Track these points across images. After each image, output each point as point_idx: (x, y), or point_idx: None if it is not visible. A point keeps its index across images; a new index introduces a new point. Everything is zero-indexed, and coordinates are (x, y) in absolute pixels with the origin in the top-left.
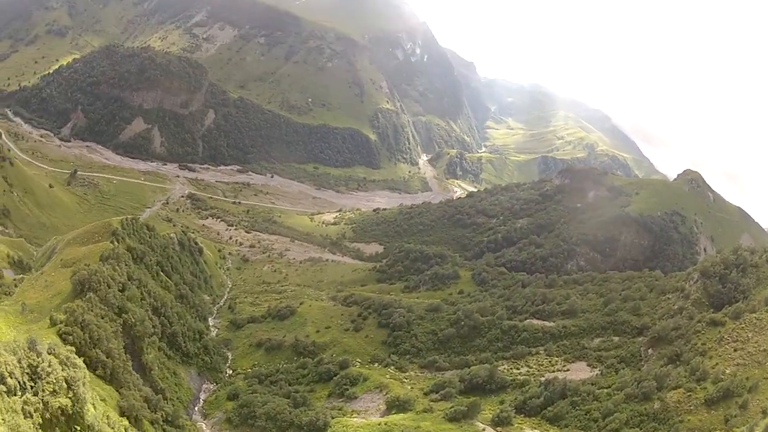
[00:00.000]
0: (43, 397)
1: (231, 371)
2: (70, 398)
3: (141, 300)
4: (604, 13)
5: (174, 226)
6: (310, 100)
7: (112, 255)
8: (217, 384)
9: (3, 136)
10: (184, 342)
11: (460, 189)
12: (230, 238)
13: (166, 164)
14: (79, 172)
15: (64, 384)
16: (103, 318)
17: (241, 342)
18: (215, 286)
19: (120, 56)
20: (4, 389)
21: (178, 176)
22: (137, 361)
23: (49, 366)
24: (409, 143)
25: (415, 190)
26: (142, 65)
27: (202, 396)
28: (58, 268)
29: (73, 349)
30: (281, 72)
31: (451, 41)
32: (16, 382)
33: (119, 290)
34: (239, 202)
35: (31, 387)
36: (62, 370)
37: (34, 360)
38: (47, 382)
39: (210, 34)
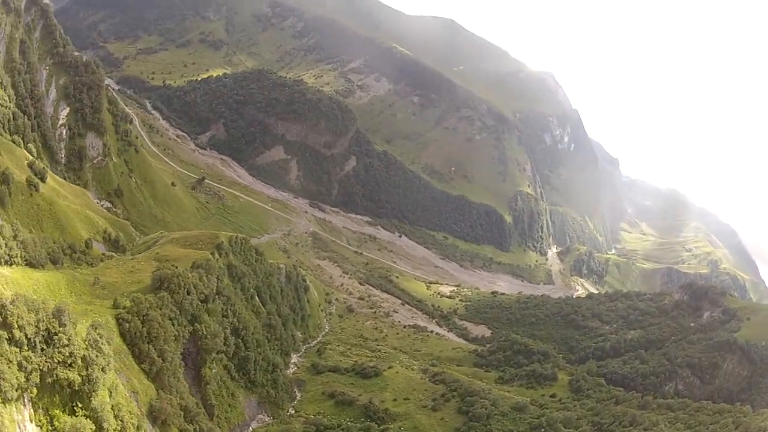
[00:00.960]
0: (49, 362)
1: (293, 411)
2: (81, 376)
3: (222, 316)
4: (752, 129)
5: (288, 258)
6: (453, 168)
7: (205, 265)
8: (273, 419)
9: (137, 123)
10: (254, 369)
11: (581, 288)
12: (341, 285)
13: (297, 197)
14: (207, 181)
15: (79, 361)
16: (171, 320)
17: (315, 387)
18: (311, 326)
19: (271, 83)
20: (7, 337)
21: (306, 212)
22: (195, 372)
23: (68, 339)
24: (541, 232)
25: (537, 281)
26: (293, 97)
27: (253, 425)
28: (149, 259)
29: (113, 336)
30: (429, 135)
31: (599, 132)
32: (24, 337)
33: (200, 300)
34: (361, 253)
35: (42, 350)
36: (84, 348)
37: (53, 327)
38: (59, 352)
39: (365, 83)
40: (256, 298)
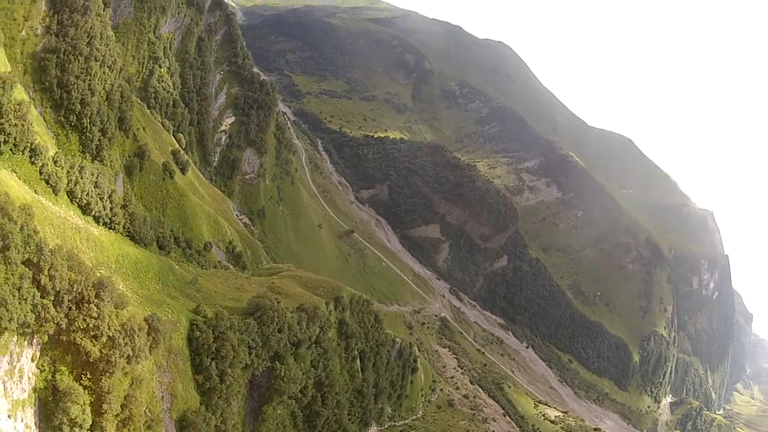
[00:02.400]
0: (69, 323)
1: None
2: (101, 352)
3: (311, 366)
4: None
5: (410, 334)
6: (598, 293)
7: (311, 311)
8: None
9: (302, 158)
10: (322, 427)
11: None
12: (451, 378)
13: (439, 279)
14: (355, 234)
15: (104, 338)
16: (249, 348)
17: None
18: (405, 406)
19: (445, 160)
20: (30, 277)
21: (443, 296)
22: (257, 405)
23: (98, 313)
24: (663, 378)
25: (642, 428)
26: (462, 180)
27: None
28: (262, 285)
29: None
30: (584, 253)
31: (741, 283)
32: (51, 288)
33: (291, 342)
34: (483, 353)
35: (68, 309)
36: (116, 330)
37: (88, 295)
38: (84, 320)
39: (536, 185)
40: (358, 361)
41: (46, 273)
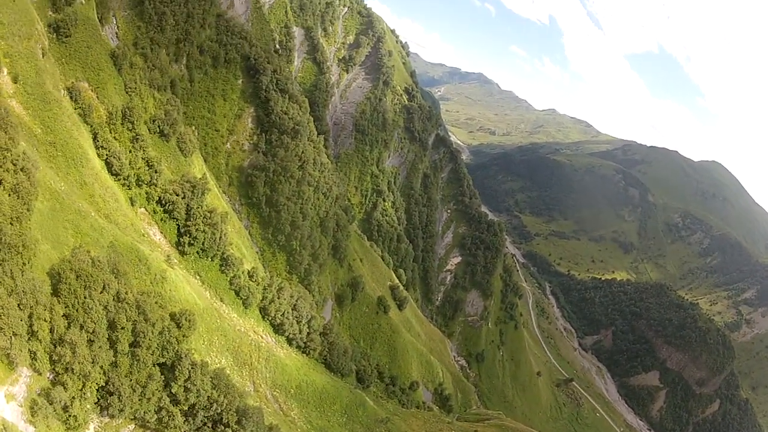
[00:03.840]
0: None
1: None
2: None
3: None
4: None
5: None
6: None
7: None
8: None
9: (529, 302)
10: None
11: None
12: None
13: (650, 431)
14: (573, 383)
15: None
16: None
17: None
18: None
19: (669, 301)
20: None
21: None
22: None
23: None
24: None
25: None
26: (685, 321)
27: None
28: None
29: None
30: None
31: None
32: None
33: None
34: None
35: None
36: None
37: (227, 419)
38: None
39: (752, 318)
40: None
41: (180, 383)
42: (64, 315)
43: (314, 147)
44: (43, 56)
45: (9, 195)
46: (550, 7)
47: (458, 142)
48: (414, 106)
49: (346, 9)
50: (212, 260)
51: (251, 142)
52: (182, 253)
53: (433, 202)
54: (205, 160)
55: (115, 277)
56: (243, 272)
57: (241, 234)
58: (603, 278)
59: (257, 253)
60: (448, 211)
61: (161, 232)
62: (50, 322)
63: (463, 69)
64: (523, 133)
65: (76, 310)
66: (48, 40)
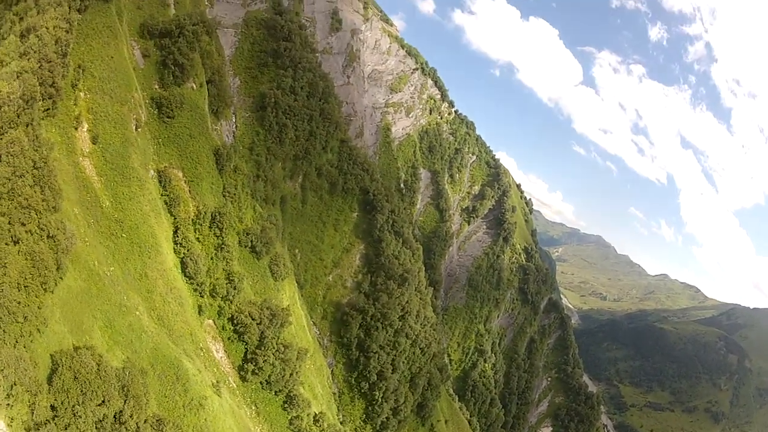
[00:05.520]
0: None
1: None
2: None
3: None
4: None
5: None
6: None
7: None
8: None
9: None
10: None
11: None
12: None
13: None
14: None
15: None
16: None
17: None
18: None
19: None
20: None
21: None
22: None
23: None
24: None
25: None
26: None
27: None
28: None
29: None
30: None
31: None
32: None
33: None
34: None
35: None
36: None
37: None
38: None
39: None
40: None
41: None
42: (51, 406)
43: (421, 298)
44: (136, 129)
45: (25, 259)
46: (669, 165)
47: (569, 305)
48: (531, 267)
49: (474, 157)
50: (276, 395)
51: (355, 279)
52: (243, 379)
53: (535, 369)
54: (301, 287)
55: (123, 398)
56: (308, 415)
57: (321, 372)
58: None
59: (334, 394)
60: (549, 379)
61: (225, 351)
62: (31, 405)
63: (582, 230)
64: (633, 299)
65: (65, 410)
66: (147, 115)
